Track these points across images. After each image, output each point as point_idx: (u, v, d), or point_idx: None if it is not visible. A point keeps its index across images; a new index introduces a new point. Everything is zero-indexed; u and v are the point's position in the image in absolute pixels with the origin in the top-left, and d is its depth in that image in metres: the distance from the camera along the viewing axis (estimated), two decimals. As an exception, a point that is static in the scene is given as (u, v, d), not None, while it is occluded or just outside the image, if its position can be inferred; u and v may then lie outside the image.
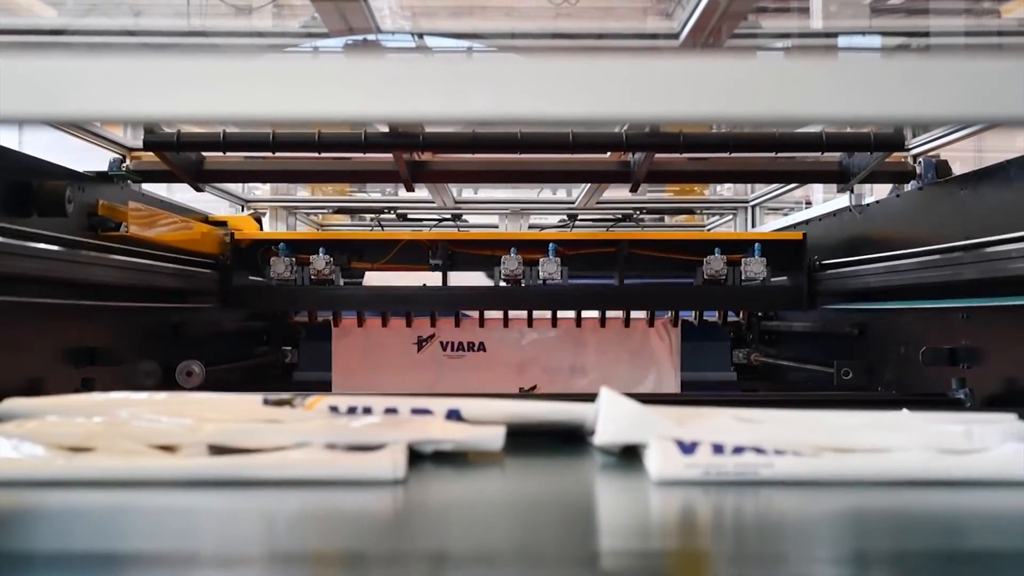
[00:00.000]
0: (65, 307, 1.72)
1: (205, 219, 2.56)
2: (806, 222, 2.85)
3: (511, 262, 2.47)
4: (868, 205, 2.43)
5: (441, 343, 2.88)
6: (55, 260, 1.62)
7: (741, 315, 2.99)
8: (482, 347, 2.88)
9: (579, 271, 2.58)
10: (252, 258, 2.56)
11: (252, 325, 2.90)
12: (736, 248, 2.55)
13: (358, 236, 3.01)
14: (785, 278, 2.58)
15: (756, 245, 2.50)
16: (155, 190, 2.46)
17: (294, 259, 2.49)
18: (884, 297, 2.18)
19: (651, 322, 2.86)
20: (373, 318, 2.83)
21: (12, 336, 1.55)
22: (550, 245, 2.48)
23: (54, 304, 1.68)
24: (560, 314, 2.81)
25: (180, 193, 2.72)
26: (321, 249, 2.49)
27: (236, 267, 2.52)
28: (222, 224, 2.58)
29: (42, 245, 1.57)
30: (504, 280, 2.51)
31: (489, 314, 2.86)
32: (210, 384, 2.24)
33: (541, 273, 2.48)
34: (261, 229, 2.95)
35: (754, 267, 2.49)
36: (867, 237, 2.37)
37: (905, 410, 1.08)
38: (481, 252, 2.59)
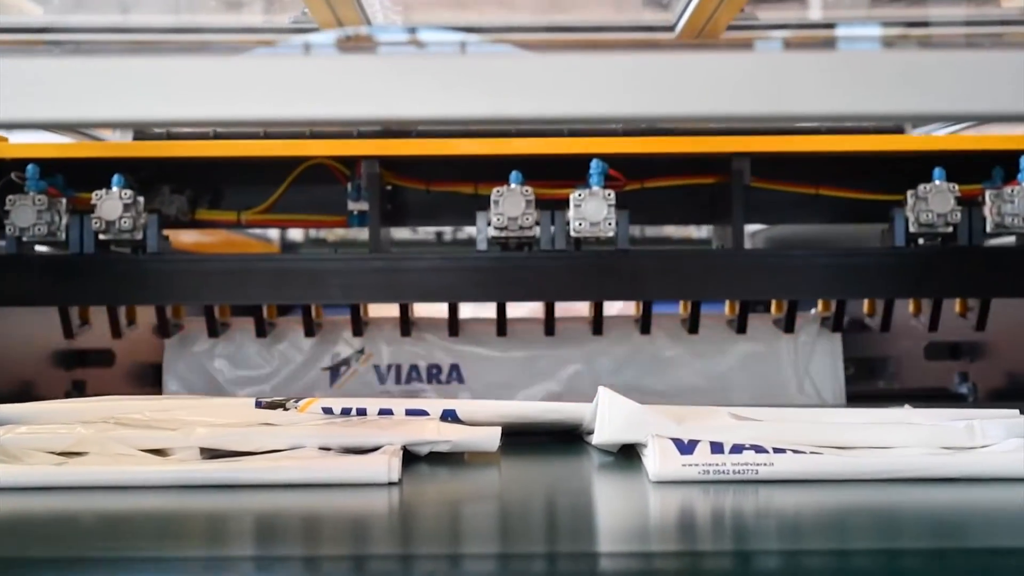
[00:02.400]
0: None
1: None
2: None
3: (512, 201, 1.22)
4: None
5: (377, 369, 1.43)
6: None
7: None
8: (455, 375, 1.43)
9: (647, 219, 1.48)
10: None
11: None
12: (963, 169, 1.28)
13: (205, 151, 1.34)
14: None
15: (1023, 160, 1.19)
16: None
17: (64, 200, 1.24)
18: None
19: (790, 323, 1.41)
20: (241, 320, 1.46)
21: None
22: (593, 164, 1.24)
23: None
24: (608, 306, 1.43)
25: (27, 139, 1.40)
26: (115, 179, 1.23)
27: None
28: None
29: None
30: (497, 239, 1.27)
31: (470, 310, 1.50)
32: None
33: (574, 223, 1.23)
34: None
35: (1021, 205, 1.23)
36: None
37: (907, 406, 1.07)
38: (452, 186, 1.37)
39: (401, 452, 0.91)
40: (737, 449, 0.87)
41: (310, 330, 1.44)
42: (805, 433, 0.92)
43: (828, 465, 0.87)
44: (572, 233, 1.25)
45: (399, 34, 1.62)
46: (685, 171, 1.38)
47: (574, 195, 1.25)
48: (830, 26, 1.70)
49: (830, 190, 1.39)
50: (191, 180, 1.38)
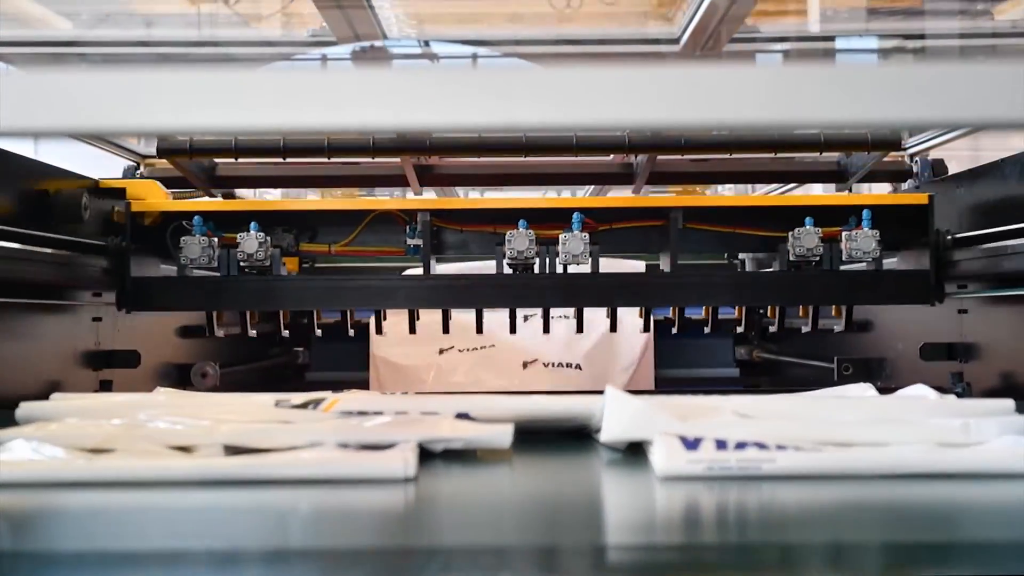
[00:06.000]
0: None
1: (94, 186, 1.86)
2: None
3: (520, 240, 1.80)
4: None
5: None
6: None
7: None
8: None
9: (613, 251, 2.01)
10: (161, 239, 1.84)
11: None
12: (832, 218, 1.83)
13: (307, 206, 2.19)
14: (895, 259, 1.91)
15: (865, 212, 1.77)
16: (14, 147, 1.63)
17: (215, 239, 1.81)
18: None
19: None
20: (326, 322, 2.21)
21: None
22: (575, 216, 1.81)
23: None
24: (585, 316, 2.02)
25: (55, 148, 1.98)
26: (252, 224, 1.80)
27: (138, 251, 1.83)
28: (117, 192, 1.88)
29: None
30: (510, 264, 1.85)
31: (495, 321, 2.13)
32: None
33: (561, 255, 1.81)
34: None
35: (862, 243, 1.76)
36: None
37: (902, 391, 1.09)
38: (478, 227, 1.94)
39: (417, 449, 0.93)
40: (741, 446, 0.89)
41: (379, 328, 2.16)
42: (807, 430, 0.94)
43: (829, 462, 0.89)
44: (559, 261, 1.82)
45: (413, 47, 1.65)
46: (640, 218, 1.95)
47: (562, 236, 1.81)
48: (829, 39, 1.73)
49: (750, 229, 1.93)
50: (295, 223, 1.93)
